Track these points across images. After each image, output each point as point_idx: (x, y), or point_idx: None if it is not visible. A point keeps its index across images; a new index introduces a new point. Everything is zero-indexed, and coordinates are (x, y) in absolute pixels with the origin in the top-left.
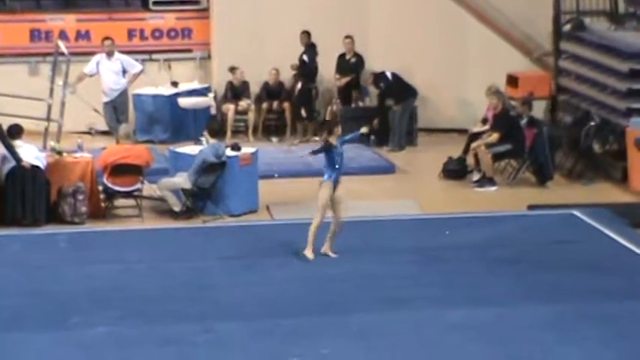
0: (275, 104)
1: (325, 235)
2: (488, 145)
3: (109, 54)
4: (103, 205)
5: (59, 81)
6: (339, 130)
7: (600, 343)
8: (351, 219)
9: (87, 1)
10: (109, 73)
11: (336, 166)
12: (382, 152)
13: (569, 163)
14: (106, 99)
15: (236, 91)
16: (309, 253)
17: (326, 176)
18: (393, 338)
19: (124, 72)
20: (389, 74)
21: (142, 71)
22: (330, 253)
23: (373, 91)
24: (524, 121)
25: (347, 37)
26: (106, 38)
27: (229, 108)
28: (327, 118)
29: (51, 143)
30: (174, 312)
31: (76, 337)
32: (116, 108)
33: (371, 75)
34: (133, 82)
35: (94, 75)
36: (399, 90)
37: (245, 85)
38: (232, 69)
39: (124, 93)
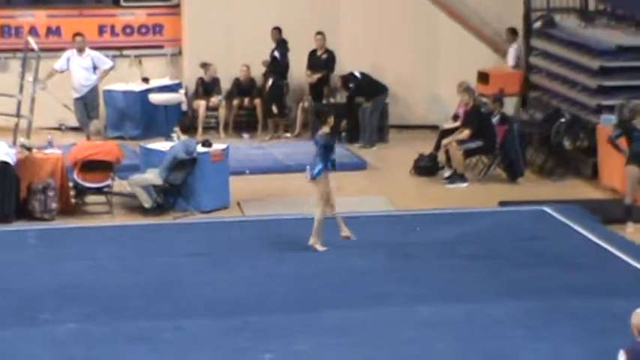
0: (246, 101)
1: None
2: (460, 142)
3: (80, 50)
4: (73, 201)
5: (29, 77)
6: (331, 119)
7: (571, 340)
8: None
9: None
10: (79, 69)
11: (332, 157)
12: (353, 149)
13: (540, 160)
14: (76, 95)
15: (207, 88)
16: (320, 246)
17: (321, 168)
18: (365, 335)
19: (95, 68)
20: (357, 73)
21: (112, 67)
22: (319, 247)
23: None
24: (495, 118)
25: (318, 33)
26: (77, 34)
27: (200, 104)
28: (299, 114)
29: (21, 139)
30: (144, 309)
31: (46, 333)
32: (87, 104)
33: (339, 78)
34: (104, 79)
35: (64, 71)
36: (368, 88)
37: (215, 81)
38: (204, 65)
39: (94, 89)
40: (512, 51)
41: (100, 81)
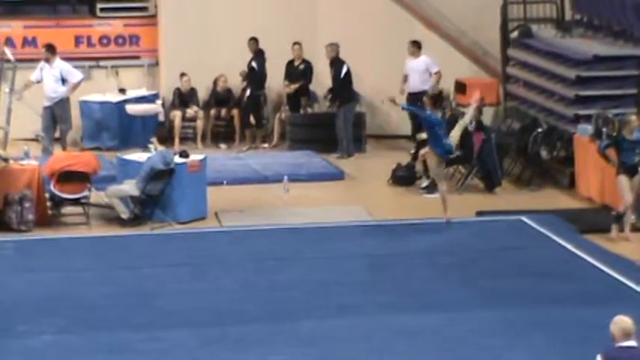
0: (223, 111)
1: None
2: None
3: (47, 61)
4: (50, 212)
5: (5, 88)
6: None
7: (547, 349)
8: (300, 225)
9: (34, 7)
10: (48, 79)
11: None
12: (331, 159)
13: (517, 170)
14: (46, 103)
15: (183, 98)
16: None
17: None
18: (342, 345)
19: (64, 80)
20: (346, 68)
21: (82, 80)
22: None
23: (322, 96)
24: (472, 126)
25: (295, 43)
26: (45, 45)
27: (176, 115)
28: (276, 125)
29: None
30: (121, 320)
31: (22, 345)
32: (54, 115)
33: (334, 48)
34: (74, 91)
35: (39, 81)
36: (345, 88)
37: (193, 91)
38: (182, 75)
39: (63, 101)
40: (426, 59)
41: (70, 93)
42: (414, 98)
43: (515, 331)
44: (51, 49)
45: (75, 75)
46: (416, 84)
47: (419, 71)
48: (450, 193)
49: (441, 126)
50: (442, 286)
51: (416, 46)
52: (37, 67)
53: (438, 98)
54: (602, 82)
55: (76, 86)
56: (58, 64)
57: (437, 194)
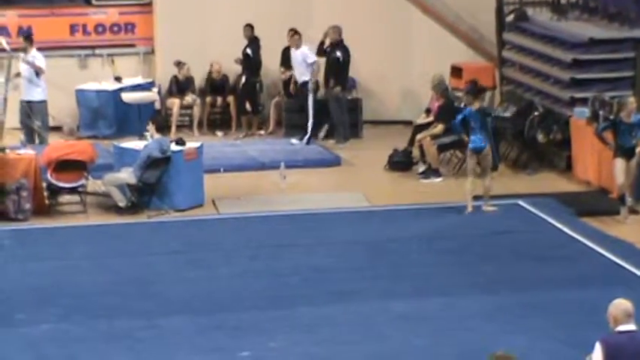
0: (219, 98)
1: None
2: (434, 137)
3: (24, 50)
4: (47, 201)
5: (1, 77)
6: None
7: (546, 333)
8: (298, 212)
9: None
10: (24, 69)
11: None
12: (328, 145)
13: (514, 154)
14: (22, 97)
15: (181, 86)
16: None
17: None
18: (340, 330)
19: (37, 74)
20: (340, 54)
21: (43, 71)
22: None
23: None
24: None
25: (291, 30)
26: (23, 34)
27: (174, 102)
28: (272, 111)
29: None
30: (119, 308)
31: (21, 334)
32: (30, 112)
33: (337, 30)
34: (35, 69)
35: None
36: (347, 72)
37: (190, 79)
38: (179, 64)
39: (41, 105)
40: (304, 49)
41: (34, 71)
42: (301, 89)
43: (512, 315)
44: (29, 38)
45: (42, 61)
46: (298, 75)
47: (299, 62)
48: (447, 177)
49: (476, 119)
50: (440, 271)
51: (296, 37)
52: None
53: (476, 90)
54: (598, 64)
55: (37, 68)
56: (34, 53)
57: (434, 179)
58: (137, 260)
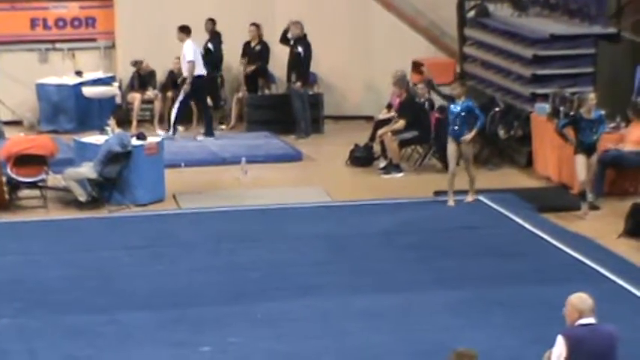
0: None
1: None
2: (395, 132)
3: None
4: (6, 196)
5: None
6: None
7: (507, 328)
8: (258, 207)
9: None
10: None
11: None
12: (289, 140)
13: (475, 149)
14: None
15: (142, 81)
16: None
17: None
18: (300, 325)
19: None
20: (301, 49)
21: None
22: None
23: (280, 78)
24: (424, 102)
25: (252, 24)
26: None
27: (135, 97)
28: (234, 106)
29: None
30: (80, 302)
31: None
32: None
33: (299, 26)
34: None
35: None
36: (308, 68)
37: (151, 74)
38: (135, 63)
39: None
40: (185, 47)
41: None
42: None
43: (474, 310)
44: None
45: None
46: (183, 70)
47: (182, 57)
48: (408, 173)
49: (452, 112)
50: (400, 267)
51: (183, 32)
52: None
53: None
54: (558, 60)
55: None
56: None
57: (395, 174)
58: (98, 255)
